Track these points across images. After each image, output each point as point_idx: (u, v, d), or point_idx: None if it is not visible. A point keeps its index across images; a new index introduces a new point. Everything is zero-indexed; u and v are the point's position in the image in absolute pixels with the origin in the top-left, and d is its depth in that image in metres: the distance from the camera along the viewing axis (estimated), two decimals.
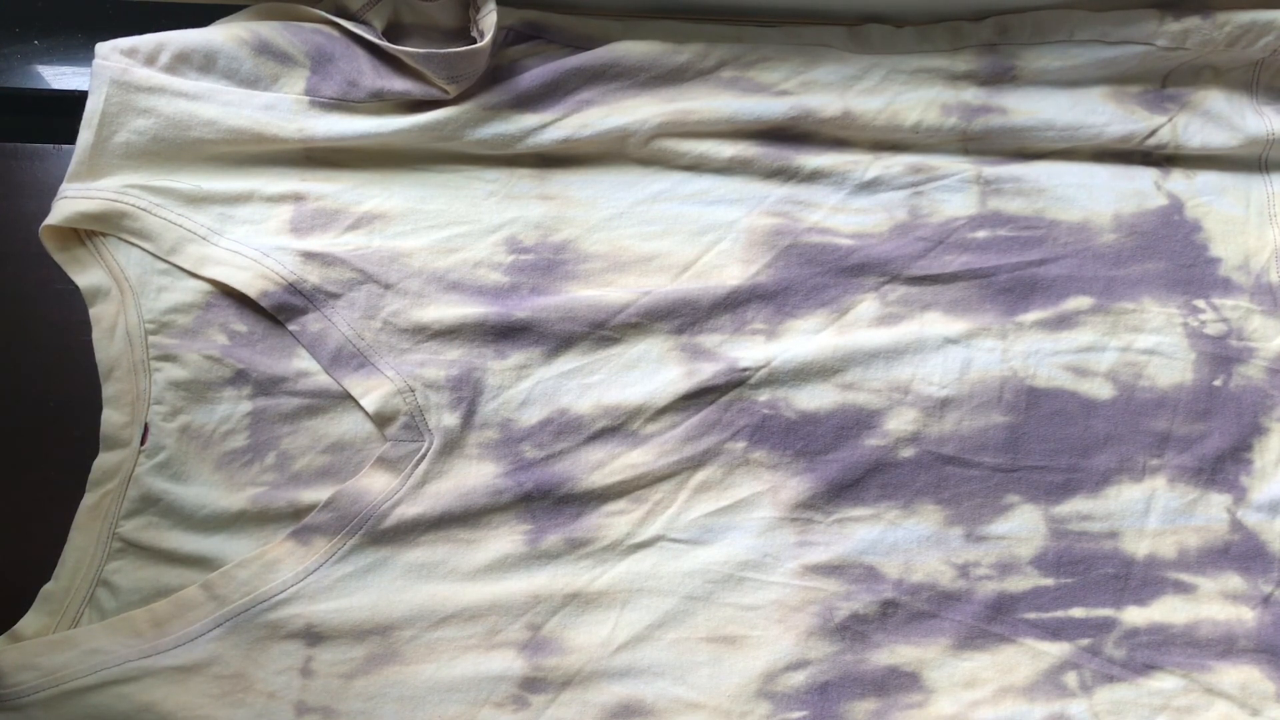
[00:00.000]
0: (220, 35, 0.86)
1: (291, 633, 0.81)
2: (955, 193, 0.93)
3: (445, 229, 0.88)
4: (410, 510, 0.84)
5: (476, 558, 0.84)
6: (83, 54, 0.93)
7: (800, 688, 0.83)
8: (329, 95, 0.87)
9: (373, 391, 0.85)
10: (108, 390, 0.84)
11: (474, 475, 0.85)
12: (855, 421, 0.88)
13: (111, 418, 0.84)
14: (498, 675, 0.82)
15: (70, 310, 0.86)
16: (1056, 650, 0.86)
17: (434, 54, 0.85)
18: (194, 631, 0.80)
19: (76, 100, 0.85)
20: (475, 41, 0.87)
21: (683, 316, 0.88)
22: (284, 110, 0.87)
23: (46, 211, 0.83)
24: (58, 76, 0.94)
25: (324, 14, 0.88)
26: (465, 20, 0.91)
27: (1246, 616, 0.88)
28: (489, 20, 0.87)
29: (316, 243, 0.87)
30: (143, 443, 0.83)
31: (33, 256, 0.85)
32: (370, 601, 0.82)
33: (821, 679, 0.84)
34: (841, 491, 0.87)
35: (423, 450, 0.84)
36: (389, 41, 0.87)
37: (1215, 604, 0.88)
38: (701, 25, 0.95)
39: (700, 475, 0.87)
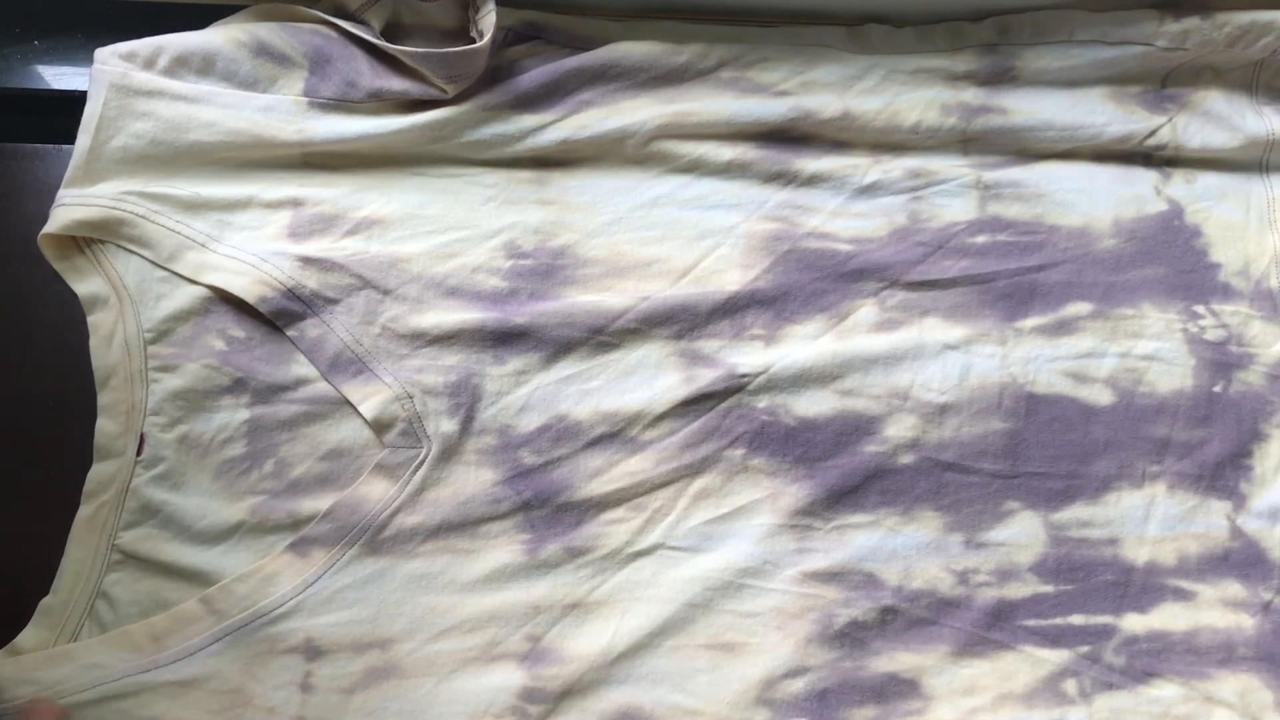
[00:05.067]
0: (218, 38, 0.86)
1: (291, 647, 0.81)
2: (954, 197, 0.93)
3: (444, 234, 0.88)
4: (409, 519, 0.83)
5: (475, 568, 0.84)
6: (83, 54, 0.93)
7: (799, 695, 0.83)
8: (327, 96, 0.87)
9: (371, 398, 0.85)
10: (103, 399, 0.84)
11: (472, 482, 0.85)
12: (854, 428, 0.88)
13: (105, 427, 0.83)
14: (497, 687, 0.82)
15: (70, 312, 0.86)
16: (1056, 657, 0.86)
17: (432, 53, 0.85)
18: (193, 646, 0.80)
19: (76, 100, 0.85)
20: (474, 42, 0.87)
21: (681, 322, 0.88)
22: (283, 111, 0.86)
23: (47, 211, 0.83)
24: (58, 76, 0.93)
25: (322, 15, 0.88)
26: (464, 20, 0.90)
27: (1246, 624, 0.88)
28: (488, 20, 0.86)
29: (315, 248, 0.86)
30: (139, 453, 0.83)
31: (33, 257, 0.85)
32: (369, 614, 0.82)
33: (820, 686, 0.84)
34: (841, 498, 0.87)
35: (421, 457, 0.84)
36: (388, 41, 0.87)
37: (1215, 611, 0.88)
38: (701, 26, 0.95)
39: (699, 482, 0.87)
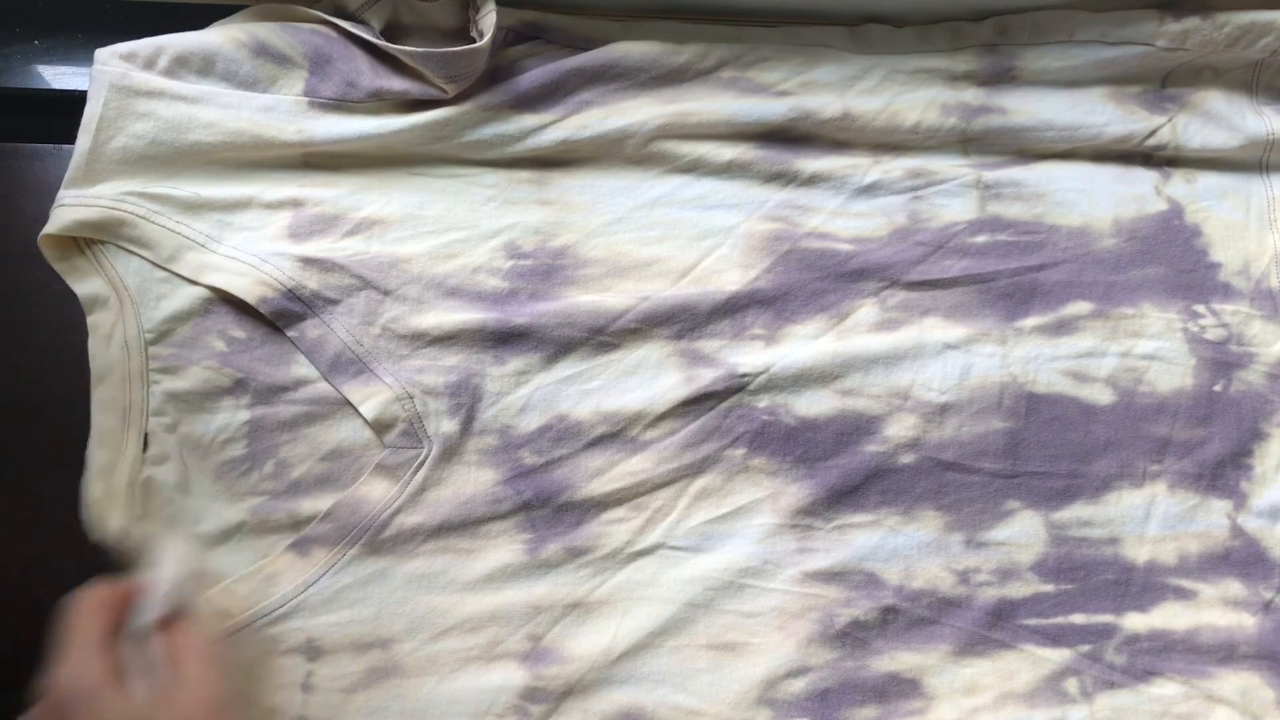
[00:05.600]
0: (218, 38, 0.86)
1: (292, 647, 0.81)
2: (955, 197, 0.93)
3: (444, 234, 0.88)
4: (410, 519, 0.83)
5: (476, 568, 0.84)
6: (83, 54, 0.93)
7: (801, 695, 0.83)
8: (328, 96, 0.87)
9: (371, 398, 0.84)
10: (97, 395, 0.83)
11: (473, 483, 0.85)
12: (855, 427, 0.88)
13: (103, 421, 0.83)
14: (499, 687, 0.82)
15: (70, 310, 0.86)
16: (1057, 656, 0.86)
17: (432, 53, 0.85)
18: None
19: (76, 100, 0.85)
20: (474, 41, 0.87)
21: (682, 322, 0.88)
22: (283, 112, 0.86)
23: (47, 211, 0.82)
24: (58, 76, 0.93)
25: (321, 15, 0.88)
26: (464, 20, 0.90)
27: (1247, 623, 0.88)
28: (488, 20, 0.86)
29: (315, 248, 0.86)
30: (145, 450, 0.83)
31: (32, 257, 0.85)
32: (370, 614, 0.82)
33: (822, 686, 0.84)
34: (841, 498, 0.87)
35: (422, 457, 0.84)
36: (388, 41, 0.87)
37: (1216, 610, 0.88)
38: (701, 26, 0.95)
39: (700, 482, 0.87)
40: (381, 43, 0.86)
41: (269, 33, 0.86)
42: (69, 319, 0.86)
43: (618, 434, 0.86)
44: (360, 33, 0.86)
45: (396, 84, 0.87)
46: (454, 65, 0.85)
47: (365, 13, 0.88)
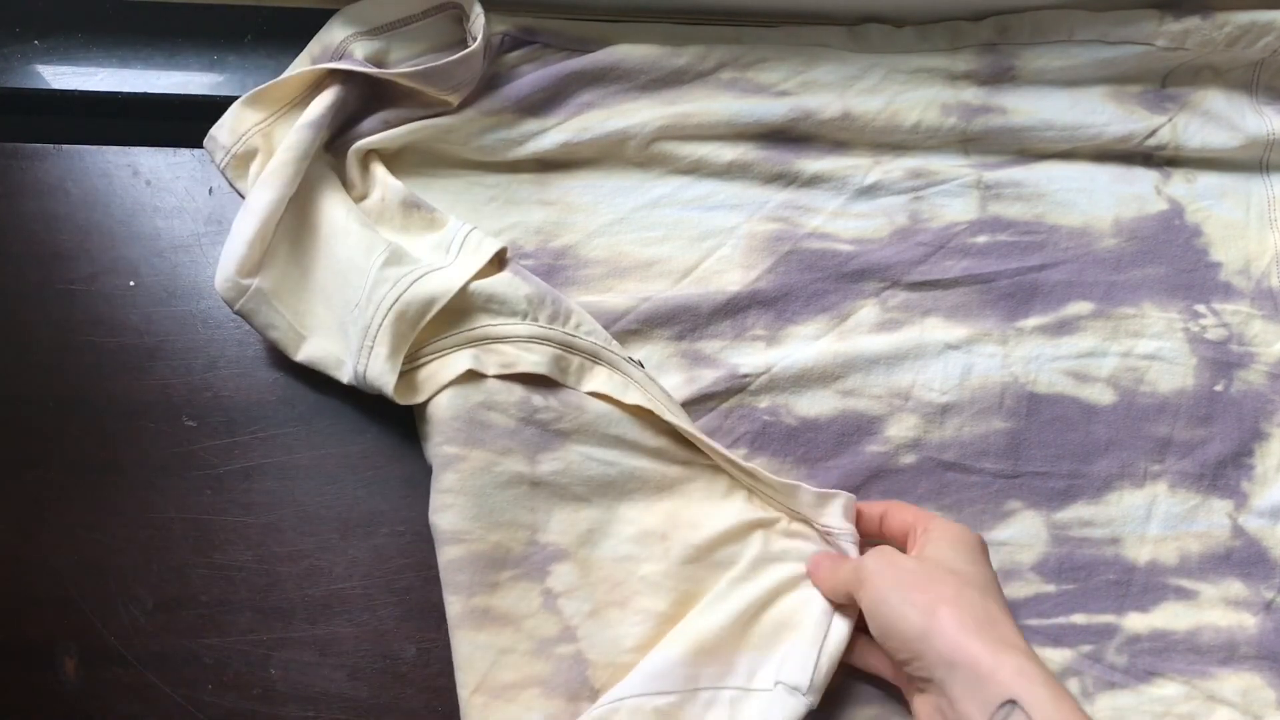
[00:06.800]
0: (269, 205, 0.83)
1: None
2: (955, 197, 0.93)
3: None
4: None
5: None
6: (83, 54, 0.93)
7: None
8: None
9: None
10: None
11: None
12: (856, 428, 0.88)
13: None
14: None
15: (70, 310, 0.86)
16: (1058, 657, 0.85)
17: (432, 68, 0.85)
18: None
19: (76, 100, 0.85)
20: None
21: (683, 323, 0.88)
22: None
23: (47, 211, 0.83)
24: (58, 76, 0.93)
25: (329, 66, 0.85)
26: (459, 34, 0.90)
27: (1248, 623, 0.87)
28: (478, 23, 0.86)
29: None
30: None
31: (33, 256, 0.85)
32: None
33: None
34: None
35: None
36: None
37: (1217, 610, 0.88)
38: (700, 27, 0.95)
39: None
40: (378, 71, 0.85)
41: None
42: (70, 318, 0.86)
43: None
44: (359, 69, 0.85)
45: (399, 114, 0.87)
46: (454, 74, 0.86)
47: (352, 44, 0.88)
